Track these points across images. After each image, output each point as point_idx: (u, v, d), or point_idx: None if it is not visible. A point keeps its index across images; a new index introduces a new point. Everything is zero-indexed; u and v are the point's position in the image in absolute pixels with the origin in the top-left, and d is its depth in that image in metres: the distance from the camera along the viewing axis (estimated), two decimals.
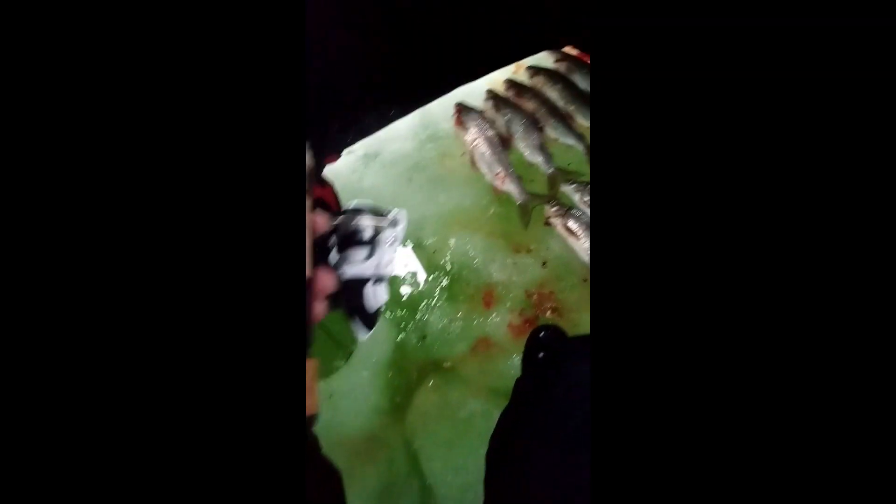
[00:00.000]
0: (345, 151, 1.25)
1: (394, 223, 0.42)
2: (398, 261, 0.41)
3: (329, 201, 1.05)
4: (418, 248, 1.15)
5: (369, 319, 0.42)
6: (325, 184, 1.06)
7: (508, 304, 1.04)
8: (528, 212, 1.11)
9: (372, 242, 0.41)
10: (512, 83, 1.26)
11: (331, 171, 1.13)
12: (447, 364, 1.02)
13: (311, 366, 0.32)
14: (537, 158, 1.16)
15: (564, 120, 1.19)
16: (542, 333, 0.95)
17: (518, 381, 0.86)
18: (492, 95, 1.24)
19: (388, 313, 1.10)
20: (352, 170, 1.30)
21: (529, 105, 1.22)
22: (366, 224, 0.42)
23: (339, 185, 1.14)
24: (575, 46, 1.28)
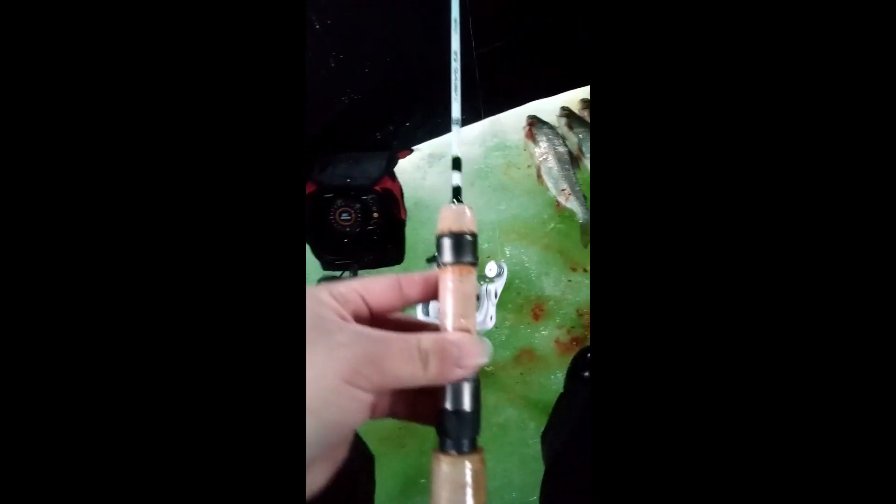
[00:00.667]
0: (415, 147, 1.28)
1: (501, 274, 0.42)
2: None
3: (396, 194, 1.08)
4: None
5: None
6: (395, 178, 1.09)
7: (558, 321, 1.04)
8: (588, 232, 1.11)
9: (478, 296, 0.40)
10: (588, 103, 1.26)
11: (399, 165, 1.16)
12: (489, 368, 1.03)
13: None
14: None
15: None
16: (589, 354, 0.95)
17: (560, 396, 0.86)
18: (566, 112, 1.24)
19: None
20: (416, 167, 1.34)
21: None
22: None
23: (403, 181, 1.17)
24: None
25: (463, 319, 0.30)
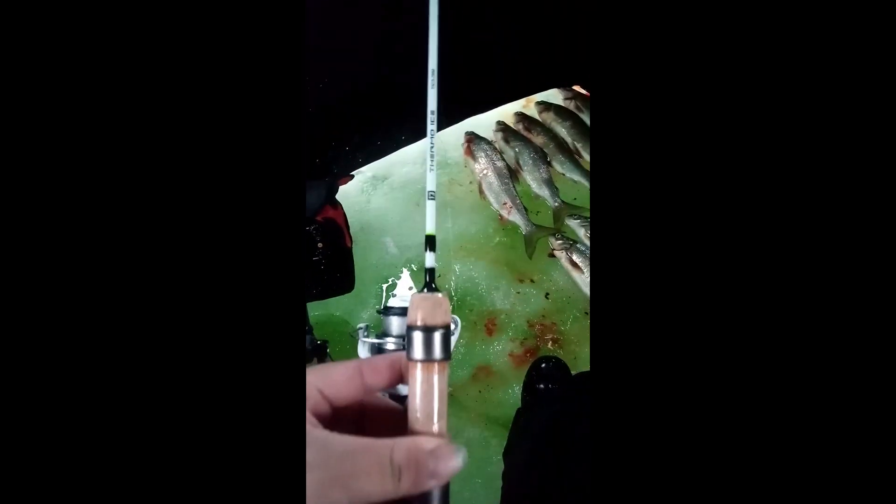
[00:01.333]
0: (355, 172, 1.27)
1: (454, 331, 0.41)
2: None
3: (340, 222, 1.07)
4: (423, 272, 1.17)
5: None
6: (336, 205, 1.08)
7: (510, 334, 1.05)
8: (532, 243, 1.13)
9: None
10: (522, 116, 1.29)
11: (340, 191, 1.15)
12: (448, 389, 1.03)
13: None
14: (544, 192, 1.19)
15: (572, 155, 1.22)
16: (543, 365, 0.97)
17: (518, 411, 0.87)
18: (502, 127, 1.27)
19: None
20: (360, 191, 1.33)
21: (538, 139, 1.25)
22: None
23: (346, 206, 1.16)
24: (583, 86, 1.33)
25: (437, 423, 0.28)
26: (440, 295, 0.31)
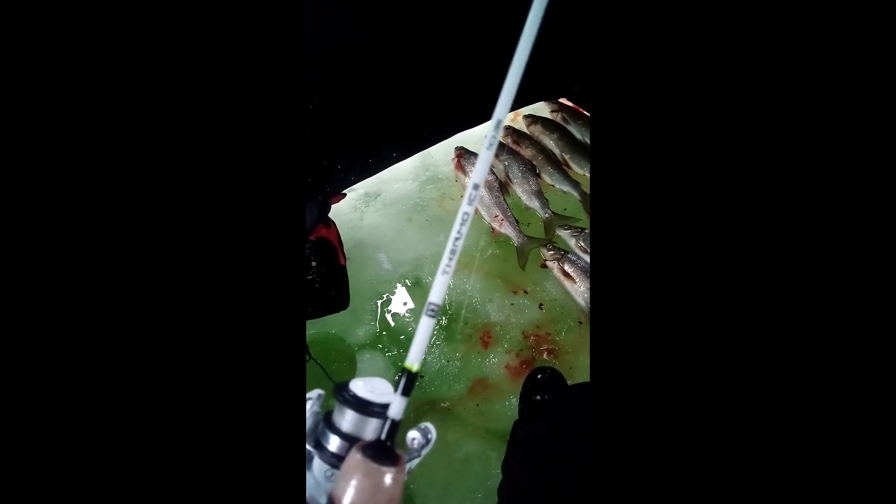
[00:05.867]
0: (347, 190, 1.28)
1: (426, 444, 0.40)
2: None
3: (333, 241, 1.08)
4: (417, 287, 1.17)
5: None
6: (329, 224, 1.09)
7: (506, 345, 1.06)
8: (525, 254, 1.14)
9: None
10: (510, 130, 1.31)
11: (332, 209, 1.16)
12: (445, 404, 1.03)
13: None
14: (534, 203, 1.20)
15: (560, 167, 1.24)
16: (539, 376, 0.97)
17: (515, 424, 0.87)
18: None
19: (385, 352, 1.11)
20: (353, 208, 1.34)
21: (527, 152, 1.27)
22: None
23: (339, 223, 1.17)
24: (569, 99, 1.35)
25: None
26: (389, 472, 0.28)
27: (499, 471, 0.86)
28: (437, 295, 0.37)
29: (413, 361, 0.35)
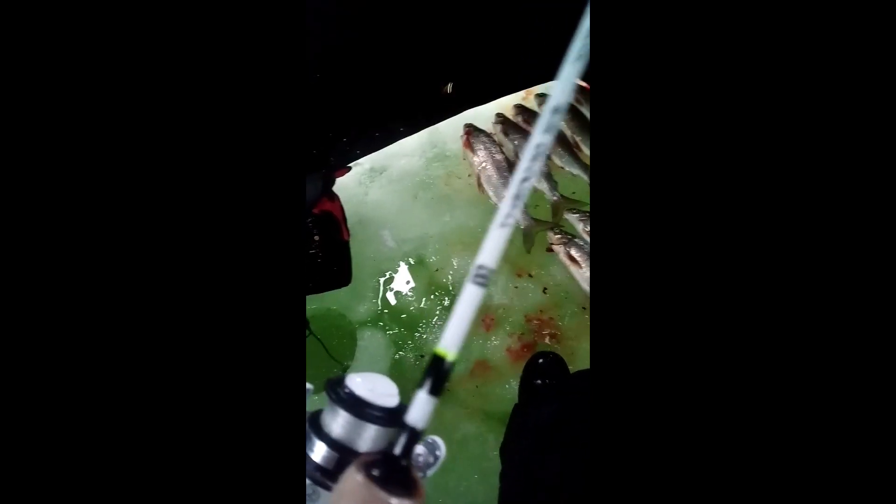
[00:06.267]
0: (352, 164, 1.26)
1: (435, 462, 0.32)
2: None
3: (337, 215, 1.06)
4: (420, 266, 1.16)
5: None
6: (334, 198, 1.07)
7: (508, 328, 1.05)
8: (531, 237, 1.12)
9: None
10: (521, 108, 1.28)
11: (337, 183, 1.14)
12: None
13: None
14: (543, 185, 1.17)
15: (571, 149, 1.21)
16: (541, 360, 0.96)
17: (515, 407, 0.87)
18: (501, 119, 1.25)
19: (386, 330, 1.10)
20: (358, 182, 1.31)
21: None
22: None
23: (344, 198, 1.15)
24: (583, 79, 1.31)
25: None
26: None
27: (496, 453, 0.85)
28: (489, 256, 0.27)
29: (449, 347, 0.26)
